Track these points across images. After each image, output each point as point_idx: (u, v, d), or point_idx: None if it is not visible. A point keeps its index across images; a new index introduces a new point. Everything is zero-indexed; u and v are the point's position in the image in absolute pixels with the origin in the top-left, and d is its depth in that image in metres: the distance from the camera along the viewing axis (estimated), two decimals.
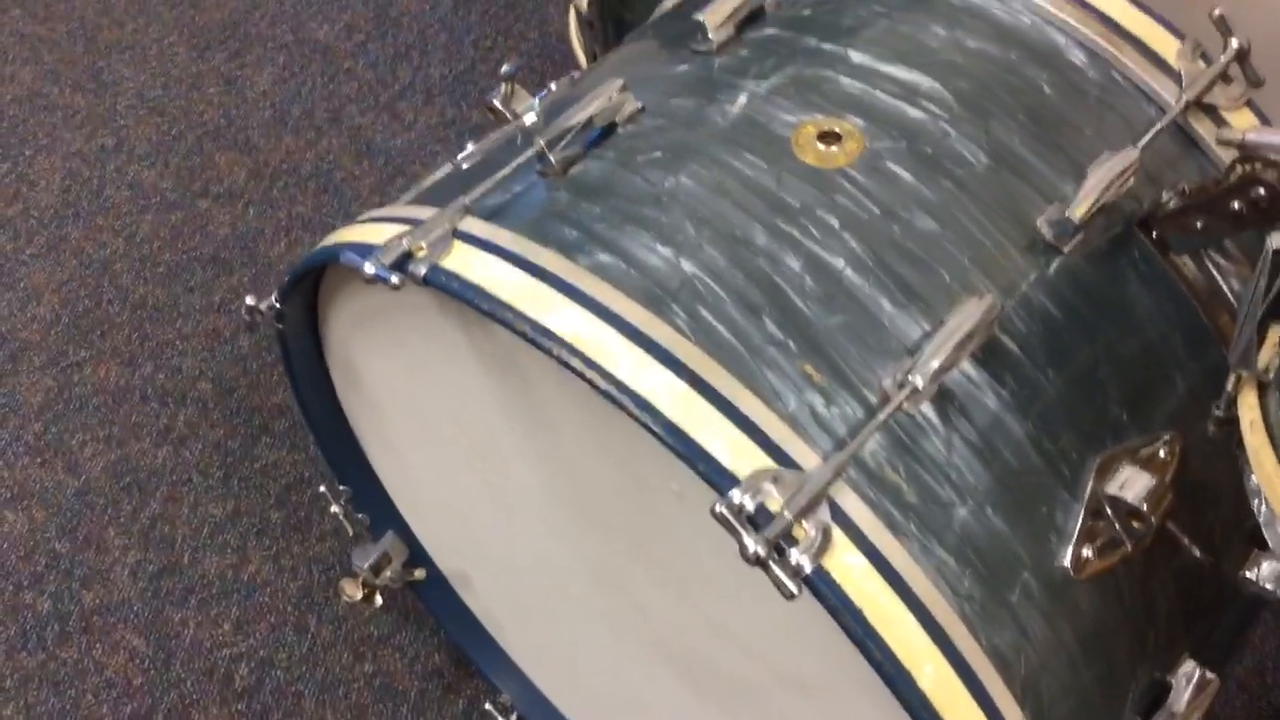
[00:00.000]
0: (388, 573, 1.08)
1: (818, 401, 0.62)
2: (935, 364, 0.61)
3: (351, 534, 1.10)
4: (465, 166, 0.83)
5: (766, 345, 0.63)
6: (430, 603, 1.11)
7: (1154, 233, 0.70)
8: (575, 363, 0.61)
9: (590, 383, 0.61)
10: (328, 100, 1.77)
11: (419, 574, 1.06)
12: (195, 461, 1.40)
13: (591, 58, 1.29)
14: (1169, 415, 0.70)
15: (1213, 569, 0.71)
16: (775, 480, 0.58)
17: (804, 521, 0.57)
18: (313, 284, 0.87)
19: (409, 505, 1.07)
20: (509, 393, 0.77)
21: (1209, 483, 0.71)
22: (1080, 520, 0.65)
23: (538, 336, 0.62)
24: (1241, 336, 0.56)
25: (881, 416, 0.60)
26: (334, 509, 1.08)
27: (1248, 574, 0.71)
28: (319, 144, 1.72)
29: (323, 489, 1.07)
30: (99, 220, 1.62)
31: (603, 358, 0.61)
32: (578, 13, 1.24)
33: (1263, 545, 0.72)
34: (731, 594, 0.69)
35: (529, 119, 0.83)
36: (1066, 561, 0.64)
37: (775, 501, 0.57)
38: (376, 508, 1.08)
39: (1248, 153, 0.61)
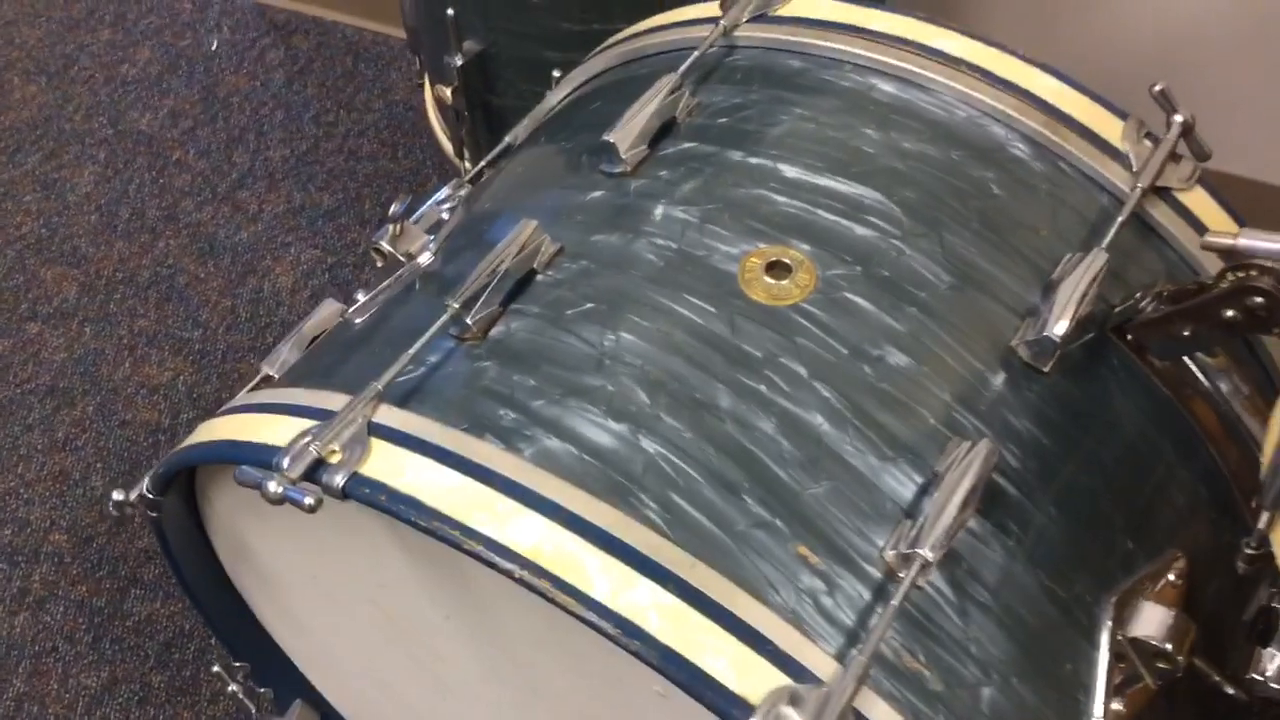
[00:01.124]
0: None
1: (819, 588, 0.55)
2: (942, 531, 0.54)
3: (254, 712, 0.98)
4: (358, 322, 0.74)
5: (753, 529, 0.55)
6: None
7: (1128, 335, 0.65)
8: (543, 585, 0.52)
9: (563, 608, 0.52)
10: (159, 196, 1.64)
11: None
12: (59, 626, 1.25)
13: (458, 144, 1.19)
14: (1170, 532, 0.65)
15: (1228, 685, 0.66)
16: (793, 701, 0.50)
17: None
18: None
19: (319, 673, 0.96)
20: (440, 581, 0.67)
21: (1213, 594, 0.66)
22: (1105, 671, 0.59)
23: (494, 556, 0.53)
24: (1277, 479, 0.51)
25: (895, 602, 0.53)
26: (231, 688, 0.96)
27: (1255, 675, 0.67)
28: (155, 246, 1.58)
29: (216, 669, 0.95)
30: None
31: (574, 576, 0.52)
32: (440, 102, 1.15)
33: (1264, 642, 0.68)
34: None
35: (424, 259, 0.74)
36: (1097, 718, 0.59)
37: None
38: (281, 679, 0.96)
39: (1239, 258, 0.57)
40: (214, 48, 1.83)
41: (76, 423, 1.41)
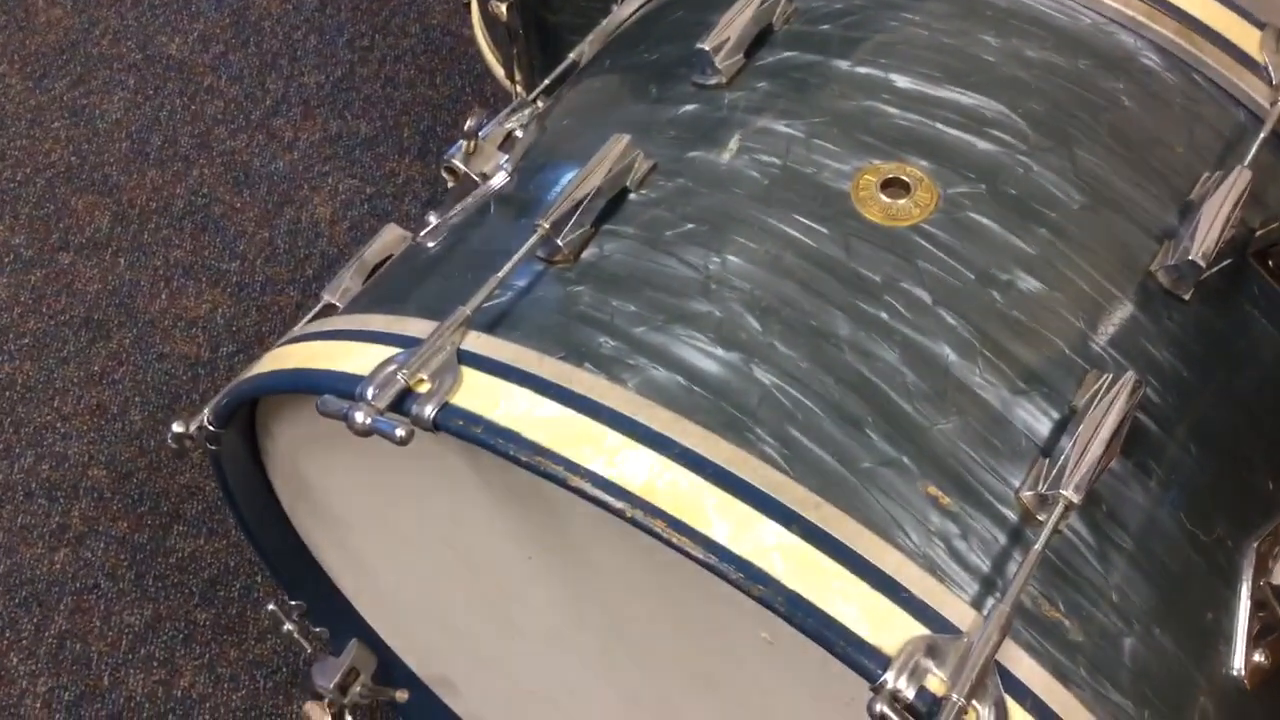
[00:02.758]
0: (357, 688, 0.94)
1: (951, 531, 0.50)
2: (1085, 471, 0.50)
3: (308, 651, 0.95)
4: (431, 245, 0.69)
5: (879, 467, 0.51)
6: (409, 714, 0.98)
7: (1269, 261, 0.60)
8: (657, 525, 0.48)
9: (680, 549, 0.48)
10: (191, 124, 1.58)
11: (400, 695, 0.92)
12: (100, 563, 1.22)
13: (509, 65, 1.14)
14: None
15: None
16: (932, 653, 0.46)
17: (976, 701, 0.46)
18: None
19: (378, 613, 0.93)
20: (525, 520, 0.64)
21: None
22: (1246, 621, 0.55)
23: (602, 494, 0.49)
24: None
25: (1037, 547, 0.49)
26: (286, 627, 0.93)
27: None
28: (189, 175, 1.53)
29: (271, 607, 0.92)
30: None
31: (692, 515, 0.48)
32: (492, 20, 1.09)
33: None
34: None
35: (499, 179, 0.70)
36: (1238, 670, 0.55)
37: (937, 681, 0.46)
38: (337, 618, 0.93)
39: None
40: None
41: (113, 355, 1.37)
